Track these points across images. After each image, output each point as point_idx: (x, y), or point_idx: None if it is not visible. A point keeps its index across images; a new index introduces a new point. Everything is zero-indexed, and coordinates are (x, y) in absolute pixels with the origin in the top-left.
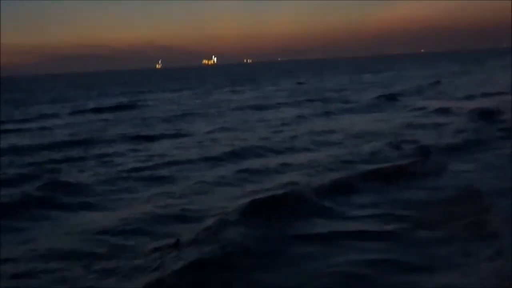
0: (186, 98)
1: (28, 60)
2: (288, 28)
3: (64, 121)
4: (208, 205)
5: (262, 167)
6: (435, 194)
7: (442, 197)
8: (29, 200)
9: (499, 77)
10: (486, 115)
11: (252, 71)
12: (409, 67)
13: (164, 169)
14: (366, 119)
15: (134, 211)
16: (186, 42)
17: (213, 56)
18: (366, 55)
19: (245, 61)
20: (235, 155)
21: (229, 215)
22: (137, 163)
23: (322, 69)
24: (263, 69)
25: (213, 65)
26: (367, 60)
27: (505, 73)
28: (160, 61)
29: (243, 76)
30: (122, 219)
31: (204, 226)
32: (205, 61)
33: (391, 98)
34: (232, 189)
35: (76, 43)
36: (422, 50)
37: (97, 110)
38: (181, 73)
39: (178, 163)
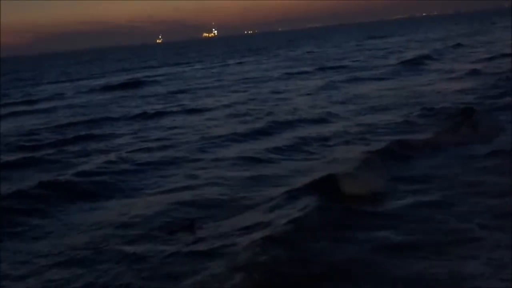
0: (203, 71)
1: (26, 39)
2: None
3: (83, 99)
4: None
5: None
6: None
7: None
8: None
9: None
10: None
11: (256, 42)
12: (416, 31)
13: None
14: (400, 84)
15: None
16: (185, 15)
17: (213, 29)
18: (367, 20)
19: (245, 32)
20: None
21: None
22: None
23: (327, 37)
24: (267, 40)
25: (214, 37)
26: (370, 26)
27: None
28: (160, 36)
29: (249, 47)
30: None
31: None
32: (205, 34)
33: (417, 63)
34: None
35: (74, 20)
36: (424, 14)
37: (114, 87)
38: (183, 47)
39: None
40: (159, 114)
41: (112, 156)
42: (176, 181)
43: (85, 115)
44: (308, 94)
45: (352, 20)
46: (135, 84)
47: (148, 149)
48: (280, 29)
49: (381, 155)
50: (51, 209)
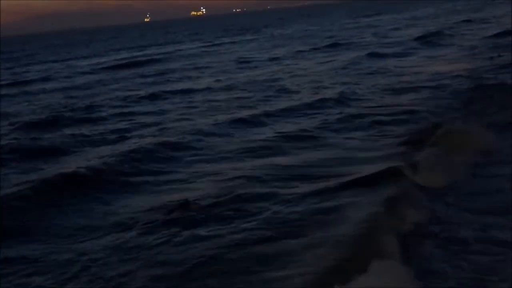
0: (204, 48)
1: (12, 19)
2: None
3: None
4: None
5: None
6: None
7: None
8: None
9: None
10: None
11: (246, 20)
12: (408, 8)
13: None
14: (427, 59)
15: None
16: None
17: (201, 7)
18: None
19: (234, 10)
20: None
21: None
22: None
23: (317, 15)
24: (257, 18)
25: (202, 15)
26: (358, 5)
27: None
28: (148, 15)
29: (242, 25)
30: None
31: None
32: (193, 13)
33: (431, 40)
34: None
35: (63, 1)
36: None
37: (122, 66)
38: (174, 25)
39: None
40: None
41: None
42: None
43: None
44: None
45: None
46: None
47: None
48: (269, 7)
49: None
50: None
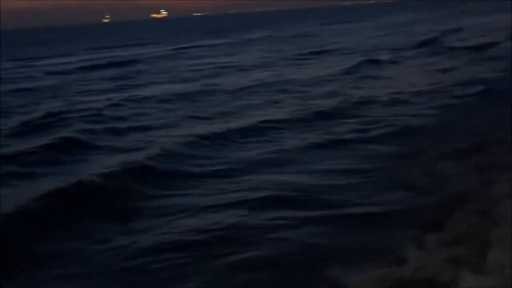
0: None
1: None
2: None
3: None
4: None
5: None
6: None
7: None
8: None
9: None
10: None
11: (210, 24)
12: (375, 15)
13: None
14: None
15: None
16: None
17: (162, 10)
18: (318, 6)
19: (194, 14)
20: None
21: None
22: None
23: (282, 20)
24: (219, 22)
25: (163, 18)
26: (321, 11)
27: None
28: (107, 16)
29: (207, 28)
30: None
31: None
32: (153, 15)
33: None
34: None
35: None
36: (372, 1)
37: (99, 67)
38: (134, 27)
39: None
40: None
41: None
42: None
43: None
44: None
45: (303, 5)
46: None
47: None
48: (230, 12)
49: None
50: None
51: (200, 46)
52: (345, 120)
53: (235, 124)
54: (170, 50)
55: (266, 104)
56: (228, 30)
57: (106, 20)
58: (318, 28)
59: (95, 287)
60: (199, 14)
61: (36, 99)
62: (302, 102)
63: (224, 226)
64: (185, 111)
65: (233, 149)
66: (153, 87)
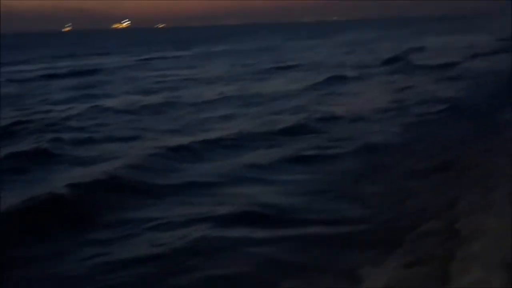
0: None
1: None
2: None
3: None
4: None
5: None
6: None
7: None
8: None
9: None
10: None
11: (172, 36)
12: (338, 32)
13: None
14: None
15: None
16: (96, 5)
17: (123, 20)
18: (281, 21)
19: (157, 25)
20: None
21: None
22: None
23: (244, 34)
24: (182, 34)
25: (125, 28)
26: (285, 27)
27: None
28: (68, 24)
29: (169, 40)
30: None
31: None
32: (116, 25)
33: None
34: None
35: None
36: (335, 18)
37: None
38: (99, 36)
39: None
40: None
41: None
42: None
43: None
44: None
45: (267, 20)
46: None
47: None
48: (193, 25)
49: None
50: None
51: (164, 57)
52: (307, 136)
53: (198, 137)
54: (133, 60)
55: (229, 117)
56: (190, 43)
57: (67, 29)
58: (281, 43)
59: None
60: (162, 25)
61: None
62: (265, 116)
63: (189, 240)
64: (149, 123)
65: (196, 163)
66: (116, 98)
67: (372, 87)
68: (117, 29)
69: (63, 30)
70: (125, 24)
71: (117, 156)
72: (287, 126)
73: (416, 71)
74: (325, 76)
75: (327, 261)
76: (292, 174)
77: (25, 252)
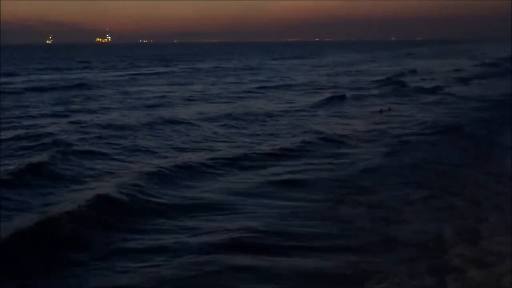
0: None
1: None
2: (185, 11)
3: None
4: None
5: None
6: None
7: None
8: None
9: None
10: None
11: (156, 51)
12: (321, 53)
13: None
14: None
15: None
16: (78, 19)
17: (107, 35)
18: (263, 41)
19: (140, 41)
20: None
21: None
22: None
23: (229, 53)
24: (167, 50)
25: (108, 43)
26: (266, 46)
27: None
28: (50, 37)
29: (154, 55)
30: None
31: None
32: (98, 39)
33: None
34: None
35: None
36: (317, 39)
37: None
38: (82, 50)
39: None
40: None
41: None
42: None
43: None
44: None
45: (248, 39)
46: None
47: None
48: (175, 41)
49: None
50: None
51: (149, 73)
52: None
53: (181, 159)
54: (117, 76)
55: (217, 138)
56: (175, 60)
57: (49, 41)
58: (267, 62)
59: None
60: (145, 40)
61: None
62: (245, 139)
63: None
64: (131, 142)
65: (180, 187)
66: (99, 114)
67: (371, 109)
68: (100, 43)
69: (46, 42)
70: (108, 38)
71: (103, 177)
72: (276, 149)
73: (413, 93)
74: (321, 97)
75: None
76: (278, 199)
77: None
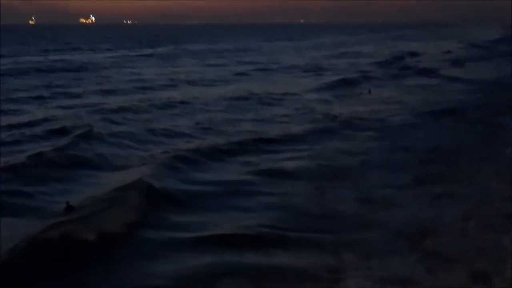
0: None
1: None
2: None
3: None
4: None
5: None
6: None
7: None
8: None
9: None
10: None
11: (144, 32)
12: (310, 35)
13: None
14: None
15: None
16: None
17: (91, 15)
18: (247, 22)
19: (125, 22)
20: None
21: None
22: None
23: (218, 34)
24: (154, 31)
25: (92, 24)
26: (252, 27)
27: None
28: (33, 17)
29: (140, 36)
30: None
31: None
32: (82, 20)
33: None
34: None
35: None
36: (302, 21)
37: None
38: (66, 31)
39: None
40: None
41: None
42: None
43: None
44: None
45: (230, 21)
46: None
47: None
48: (161, 23)
49: None
50: None
51: (141, 55)
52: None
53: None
54: (105, 57)
55: (223, 123)
56: (163, 41)
57: (32, 22)
58: (260, 44)
59: None
60: (130, 21)
61: None
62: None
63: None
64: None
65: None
66: (89, 97)
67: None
68: (84, 24)
69: (29, 22)
70: (91, 19)
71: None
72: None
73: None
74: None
75: None
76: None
77: None
